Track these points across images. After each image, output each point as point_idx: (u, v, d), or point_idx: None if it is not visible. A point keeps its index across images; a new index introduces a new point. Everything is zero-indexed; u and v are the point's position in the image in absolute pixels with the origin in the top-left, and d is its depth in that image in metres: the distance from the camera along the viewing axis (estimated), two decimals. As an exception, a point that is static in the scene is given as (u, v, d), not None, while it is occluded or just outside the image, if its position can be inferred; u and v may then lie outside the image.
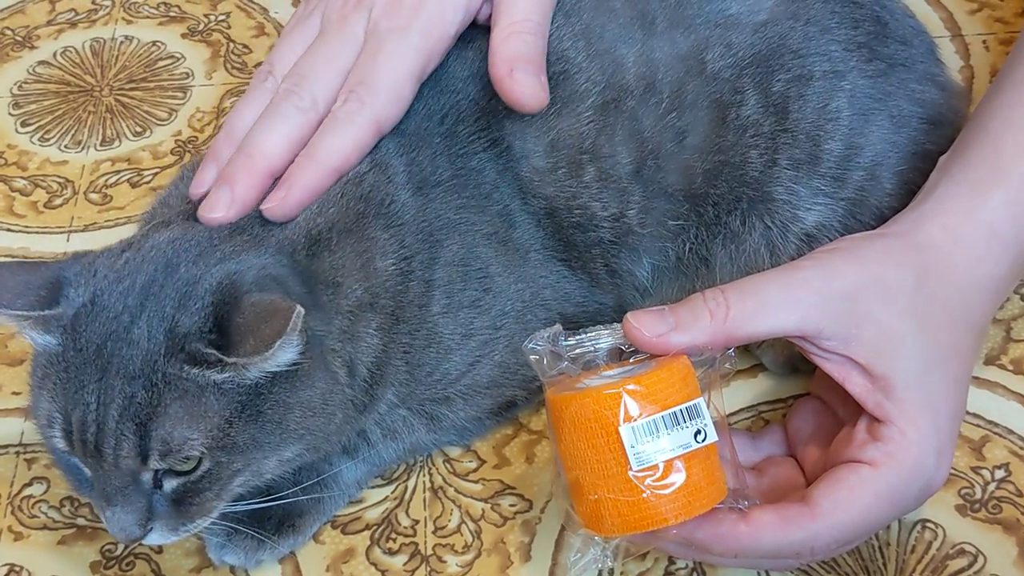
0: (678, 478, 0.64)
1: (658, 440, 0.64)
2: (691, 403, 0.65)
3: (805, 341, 0.69)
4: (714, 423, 0.66)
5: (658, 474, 0.64)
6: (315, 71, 0.77)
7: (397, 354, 0.74)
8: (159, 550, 0.79)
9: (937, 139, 0.80)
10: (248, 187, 0.73)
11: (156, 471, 0.68)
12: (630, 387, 0.64)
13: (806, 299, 0.68)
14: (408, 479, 0.81)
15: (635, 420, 0.64)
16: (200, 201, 0.74)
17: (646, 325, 0.67)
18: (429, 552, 0.77)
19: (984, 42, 1.04)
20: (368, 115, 0.74)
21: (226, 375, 0.66)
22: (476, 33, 0.78)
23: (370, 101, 0.74)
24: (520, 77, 0.74)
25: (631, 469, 0.64)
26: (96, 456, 0.67)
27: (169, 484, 0.68)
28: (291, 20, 0.82)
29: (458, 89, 0.78)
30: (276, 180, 0.73)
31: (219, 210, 0.72)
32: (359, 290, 0.72)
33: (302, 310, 0.64)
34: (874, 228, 0.77)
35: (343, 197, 0.73)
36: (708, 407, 0.66)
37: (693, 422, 0.65)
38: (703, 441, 0.65)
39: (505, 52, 0.75)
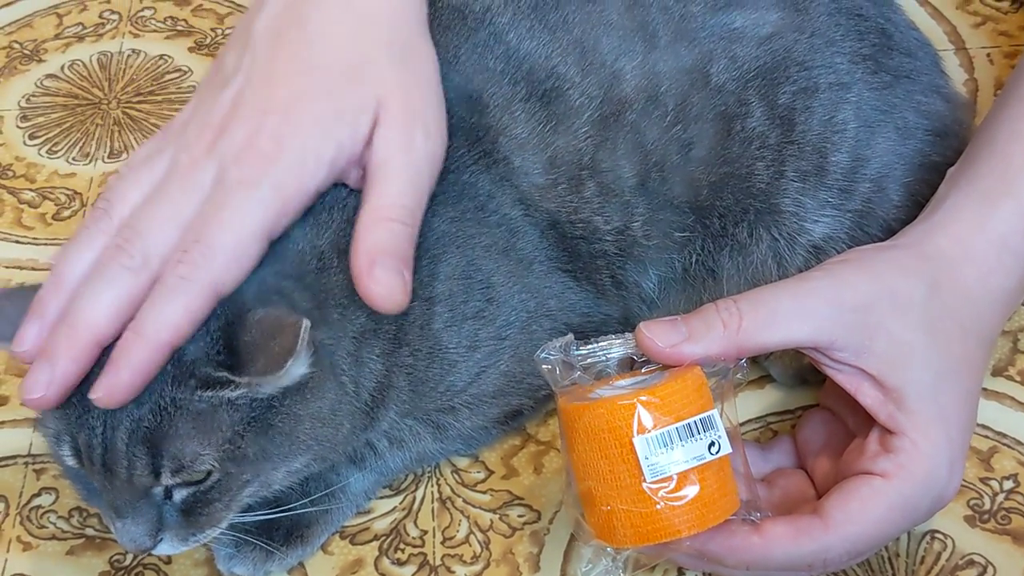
0: (691, 490, 0.64)
1: (672, 452, 0.64)
2: (705, 415, 0.65)
3: (817, 352, 0.69)
4: (727, 434, 0.66)
5: (671, 486, 0.64)
6: (150, 225, 0.68)
7: (399, 377, 0.74)
8: (168, 560, 0.79)
9: (943, 151, 0.81)
10: (69, 363, 0.66)
11: (167, 485, 0.68)
12: (644, 398, 0.64)
13: (818, 310, 0.68)
14: (416, 490, 0.81)
15: (649, 432, 0.64)
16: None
17: (659, 335, 0.67)
18: (438, 563, 0.77)
19: (988, 55, 1.04)
20: (204, 279, 0.66)
21: (239, 392, 0.66)
22: (460, 54, 0.78)
23: (206, 264, 0.66)
24: (380, 274, 0.68)
25: (645, 480, 0.64)
26: (106, 474, 0.67)
27: (179, 495, 0.68)
28: (141, 150, 0.75)
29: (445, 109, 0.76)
30: (106, 349, 0.67)
31: (38, 391, 0.66)
32: (362, 316, 0.71)
33: (308, 323, 0.64)
34: (881, 240, 0.77)
35: (332, 221, 0.72)
36: (721, 418, 0.66)
37: (707, 434, 0.65)
38: (717, 453, 0.65)
39: (368, 242, 0.68)
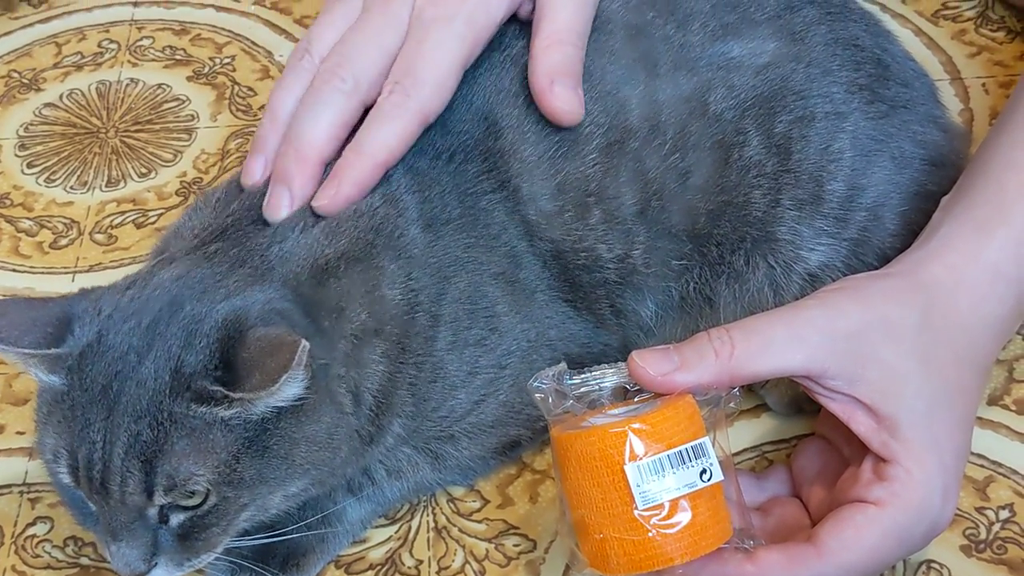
0: (684, 517, 0.64)
1: (664, 479, 0.64)
2: (697, 442, 0.65)
3: (810, 381, 0.69)
4: (719, 462, 0.66)
5: (664, 513, 0.64)
6: (357, 52, 0.77)
7: (403, 384, 0.74)
8: (163, 587, 0.78)
9: (939, 180, 0.81)
10: (304, 183, 0.74)
11: (162, 506, 0.67)
12: (636, 426, 0.64)
13: (811, 338, 0.68)
14: (412, 519, 0.81)
15: (641, 459, 0.64)
16: (251, 195, 0.76)
17: (651, 364, 0.67)
18: (433, 592, 0.77)
19: (984, 85, 1.05)
20: (414, 107, 0.74)
21: (233, 411, 0.66)
22: (479, 74, 0.79)
23: (415, 93, 0.74)
24: (559, 91, 0.75)
25: (637, 508, 0.64)
26: (102, 492, 0.67)
27: (175, 519, 0.68)
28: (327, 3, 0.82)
29: (464, 130, 0.78)
30: (327, 166, 0.75)
31: (283, 210, 0.74)
32: (363, 314, 0.72)
33: (308, 344, 0.64)
34: (877, 268, 0.77)
35: (355, 228, 0.73)
36: (713, 446, 0.66)
37: (699, 461, 0.65)
38: (709, 480, 0.65)
39: (546, 64, 0.75)
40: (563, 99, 0.75)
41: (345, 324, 0.71)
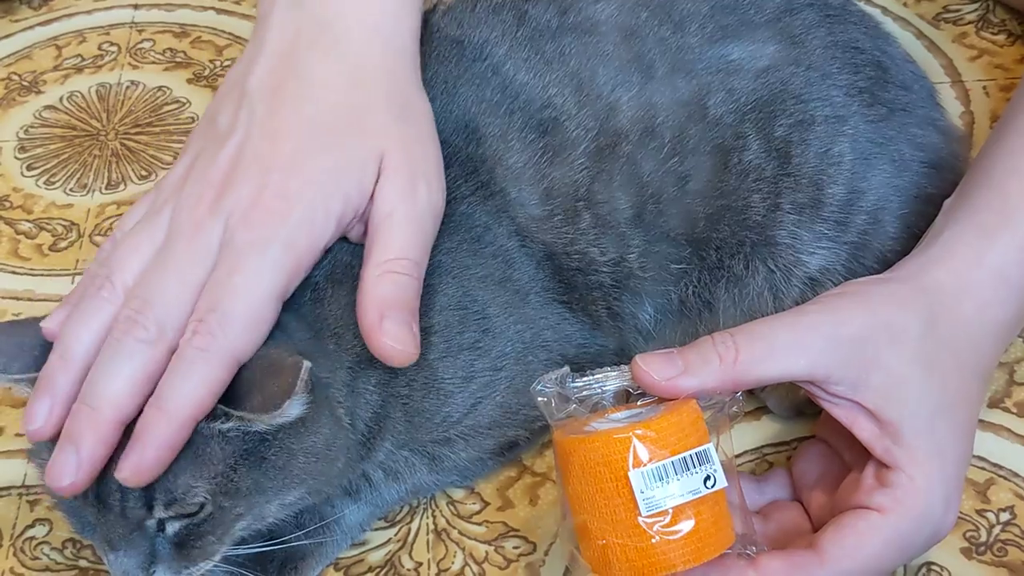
0: (687, 524, 0.64)
1: (668, 485, 0.64)
2: (701, 448, 0.65)
3: (813, 386, 0.69)
4: (723, 467, 0.66)
5: (667, 520, 0.64)
6: (160, 292, 0.67)
7: (396, 407, 0.74)
8: (162, 593, 0.78)
9: (939, 183, 0.81)
10: (94, 445, 0.65)
11: (160, 518, 0.67)
12: (640, 432, 0.64)
13: (815, 343, 0.68)
14: (411, 521, 0.81)
15: (645, 465, 0.64)
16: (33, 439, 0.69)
17: (655, 368, 0.67)
18: (434, 596, 0.77)
19: (984, 88, 1.05)
20: (223, 349, 0.65)
21: (231, 424, 0.66)
22: (459, 86, 0.78)
23: (223, 333, 0.65)
24: (389, 328, 0.67)
25: (640, 514, 0.64)
26: (99, 506, 0.67)
27: (172, 527, 0.68)
28: (132, 213, 0.74)
29: (442, 140, 0.76)
30: (127, 427, 0.66)
31: (66, 478, 0.65)
32: (358, 346, 0.71)
33: (310, 365, 0.64)
34: (877, 272, 0.77)
35: (331, 251, 0.72)
36: (716, 451, 0.66)
37: (703, 467, 0.65)
38: (712, 487, 0.65)
39: (376, 295, 0.68)
40: (393, 336, 0.67)
41: (343, 353, 0.71)
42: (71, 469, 0.65)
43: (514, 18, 0.80)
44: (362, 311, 0.68)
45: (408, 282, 0.69)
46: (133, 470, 0.64)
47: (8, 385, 0.69)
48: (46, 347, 0.69)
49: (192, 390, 0.64)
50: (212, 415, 0.65)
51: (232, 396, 0.65)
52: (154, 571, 0.69)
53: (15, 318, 0.92)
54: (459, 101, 0.78)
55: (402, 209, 0.70)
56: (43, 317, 0.71)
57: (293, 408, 0.66)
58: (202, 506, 0.67)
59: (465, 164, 0.76)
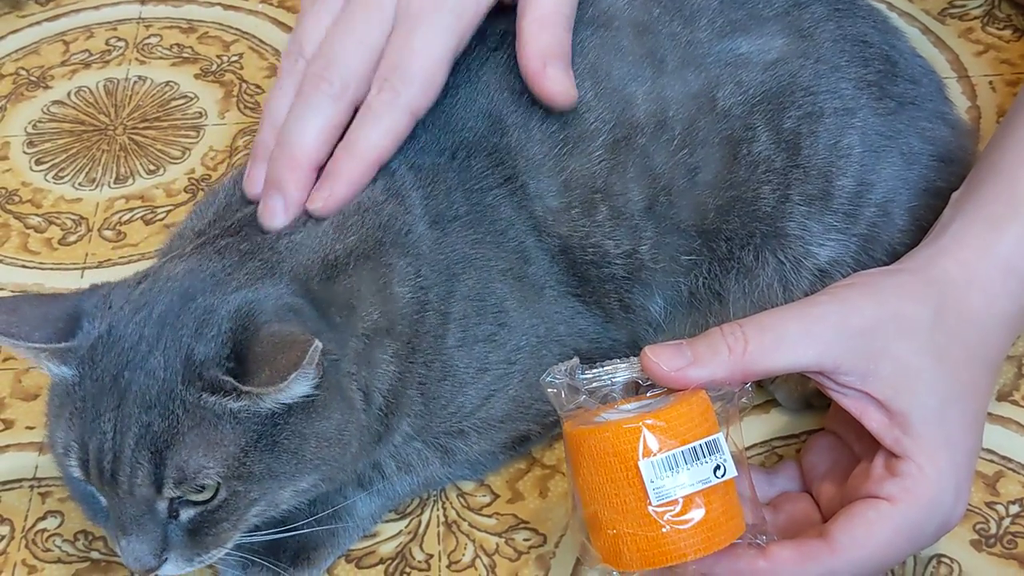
0: (697, 513, 0.64)
1: (677, 475, 0.64)
2: (710, 438, 0.65)
3: (822, 376, 0.69)
4: (732, 458, 0.66)
5: (677, 509, 0.64)
6: (343, 52, 0.76)
7: (412, 384, 0.74)
8: (174, 583, 0.79)
9: (947, 176, 0.81)
10: (296, 189, 0.74)
11: (171, 500, 0.68)
12: (650, 422, 0.64)
13: (824, 334, 0.68)
14: (422, 513, 0.81)
15: (655, 455, 0.64)
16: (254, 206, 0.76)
17: (664, 359, 0.67)
18: (444, 587, 0.78)
19: (991, 83, 1.05)
20: (403, 104, 0.74)
21: (241, 403, 0.66)
22: (483, 72, 0.79)
23: (404, 90, 0.74)
24: (553, 73, 0.75)
25: (650, 504, 0.64)
26: (112, 484, 0.67)
27: (185, 514, 0.68)
28: None
29: (468, 127, 0.78)
30: (320, 169, 0.75)
31: (278, 218, 0.74)
32: (375, 313, 0.72)
33: (320, 344, 0.65)
34: (886, 264, 0.77)
35: (363, 225, 0.73)
36: (727, 442, 0.66)
37: (712, 457, 0.65)
38: (722, 476, 0.65)
39: (537, 45, 0.75)
40: (558, 81, 0.75)
41: (356, 322, 0.71)
42: (280, 209, 0.74)
43: None
44: (525, 60, 0.75)
45: (563, 34, 0.76)
46: (324, 200, 0.74)
47: (29, 354, 0.69)
48: (71, 319, 0.69)
49: (378, 136, 0.74)
50: (222, 389, 0.66)
51: (243, 372, 0.66)
52: (166, 558, 0.69)
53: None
54: (483, 88, 0.78)
55: None
56: (67, 294, 0.72)
57: (300, 383, 0.66)
58: (216, 492, 0.67)
59: (492, 154, 0.77)
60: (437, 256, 0.75)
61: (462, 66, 0.79)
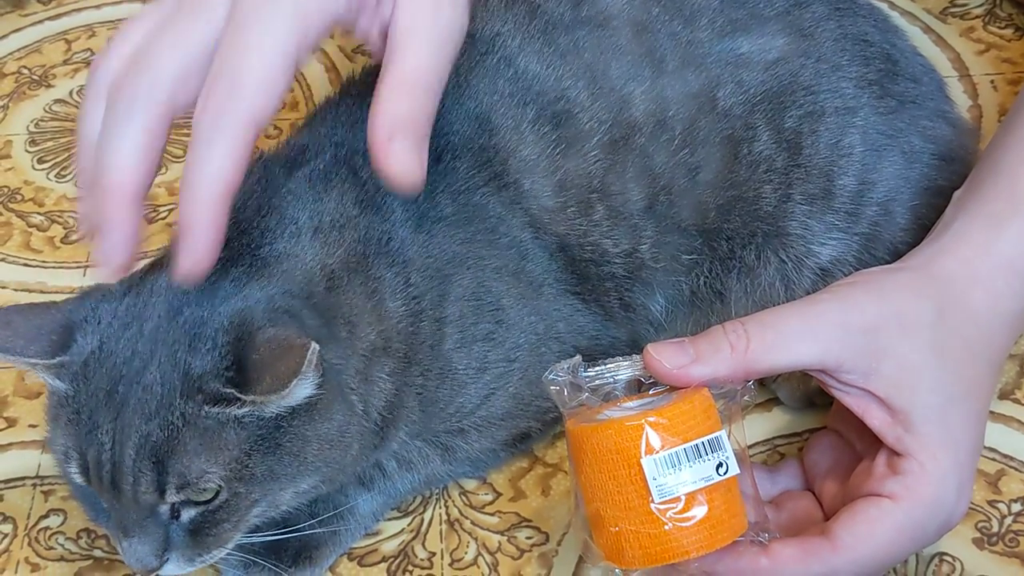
0: (700, 511, 0.64)
1: (680, 473, 0.64)
2: (713, 436, 0.65)
3: (824, 374, 0.69)
4: (735, 455, 0.66)
5: (680, 506, 0.64)
6: (157, 56, 0.64)
7: (410, 396, 0.74)
8: (176, 582, 0.79)
9: (949, 175, 0.81)
10: (121, 224, 0.64)
11: (174, 503, 0.68)
12: (652, 419, 0.64)
13: (826, 332, 0.68)
14: (424, 511, 0.81)
15: (657, 452, 0.64)
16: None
17: (667, 356, 0.67)
18: (446, 585, 0.78)
19: (992, 82, 1.05)
20: (239, 117, 0.62)
21: (246, 410, 0.66)
22: (471, 78, 0.78)
23: (237, 96, 0.62)
24: (398, 150, 0.65)
25: (653, 501, 0.64)
26: (113, 491, 0.67)
27: (186, 514, 0.68)
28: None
29: (454, 130, 0.76)
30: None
31: (110, 263, 0.66)
32: (372, 334, 0.71)
33: (317, 346, 0.64)
34: (888, 262, 0.77)
35: (343, 240, 0.72)
36: (729, 439, 0.66)
37: (715, 455, 0.65)
38: (725, 474, 0.65)
39: (387, 114, 0.65)
40: (400, 160, 0.65)
41: (357, 342, 0.71)
42: (110, 253, 0.65)
43: (527, 12, 0.80)
44: (371, 127, 0.65)
45: (423, 102, 0.66)
46: (187, 269, 0.64)
47: (24, 367, 0.69)
48: (64, 331, 0.69)
49: (217, 168, 0.62)
50: (225, 400, 0.66)
51: (244, 381, 0.65)
52: (167, 558, 0.69)
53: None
54: (472, 93, 0.78)
55: (425, 24, 0.67)
56: (58, 304, 0.71)
57: (301, 389, 0.66)
58: (217, 492, 0.67)
59: (478, 155, 0.77)
60: (426, 260, 0.74)
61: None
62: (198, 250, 0.64)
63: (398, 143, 0.65)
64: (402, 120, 0.65)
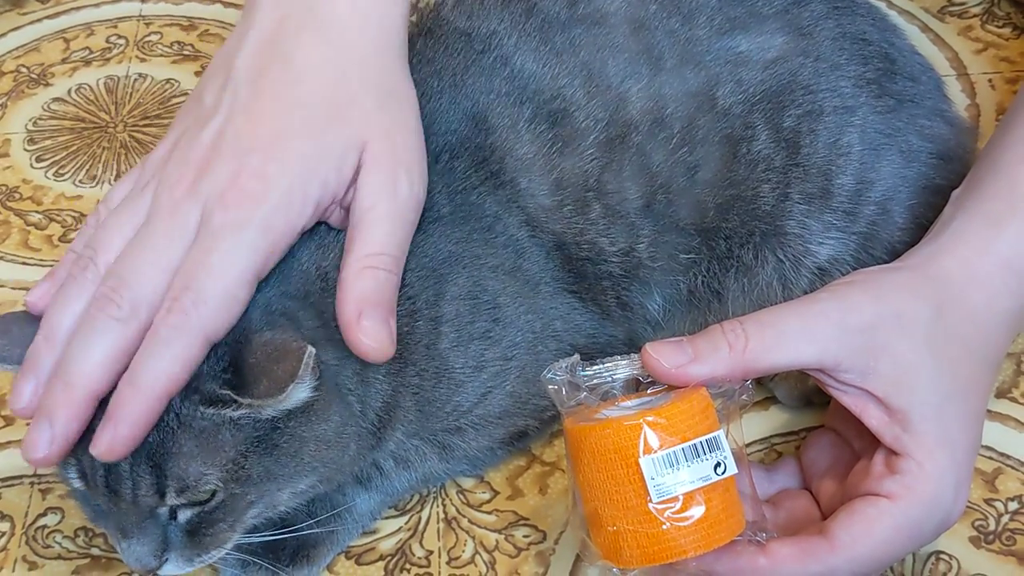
0: (697, 510, 0.64)
1: (678, 472, 0.64)
2: (711, 435, 0.65)
3: (822, 374, 0.69)
4: (733, 455, 0.66)
5: (678, 506, 0.64)
6: (136, 272, 0.68)
7: (406, 396, 0.74)
8: (174, 581, 0.79)
9: (947, 174, 0.81)
10: (68, 420, 0.66)
11: (172, 505, 0.68)
12: (650, 419, 0.64)
13: (824, 331, 0.68)
14: (422, 510, 0.81)
15: (655, 452, 0.64)
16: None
17: (665, 356, 0.67)
18: (444, 584, 0.78)
19: (990, 81, 1.05)
20: (195, 328, 0.66)
21: (242, 412, 0.66)
22: (467, 78, 0.78)
23: (196, 312, 0.66)
24: (368, 326, 0.68)
25: (651, 501, 0.64)
26: (112, 496, 0.67)
27: (184, 515, 0.68)
28: (118, 189, 0.74)
29: (451, 131, 0.77)
30: (103, 401, 0.67)
31: (40, 450, 0.66)
32: None
33: (313, 350, 0.65)
34: (885, 262, 0.77)
35: (338, 241, 0.72)
36: (727, 439, 0.66)
37: (713, 454, 0.65)
38: (723, 473, 0.65)
39: (356, 291, 0.69)
40: (370, 335, 0.68)
41: None
42: (44, 442, 0.66)
43: (523, 10, 0.80)
44: (341, 306, 0.68)
45: (387, 278, 0.70)
46: (107, 446, 0.65)
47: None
48: None
49: (165, 367, 0.65)
50: (221, 402, 0.66)
51: (239, 383, 0.66)
52: (166, 559, 0.69)
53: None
54: (468, 92, 0.78)
55: (383, 204, 0.71)
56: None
57: (298, 392, 0.66)
58: (214, 494, 0.67)
59: (474, 154, 0.77)
60: (420, 260, 0.74)
61: (446, 71, 0.78)
62: (122, 434, 0.65)
63: (367, 320, 0.68)
64: (368, 298, 0.69)
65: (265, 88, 0.72)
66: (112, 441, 0.65)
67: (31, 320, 0.71)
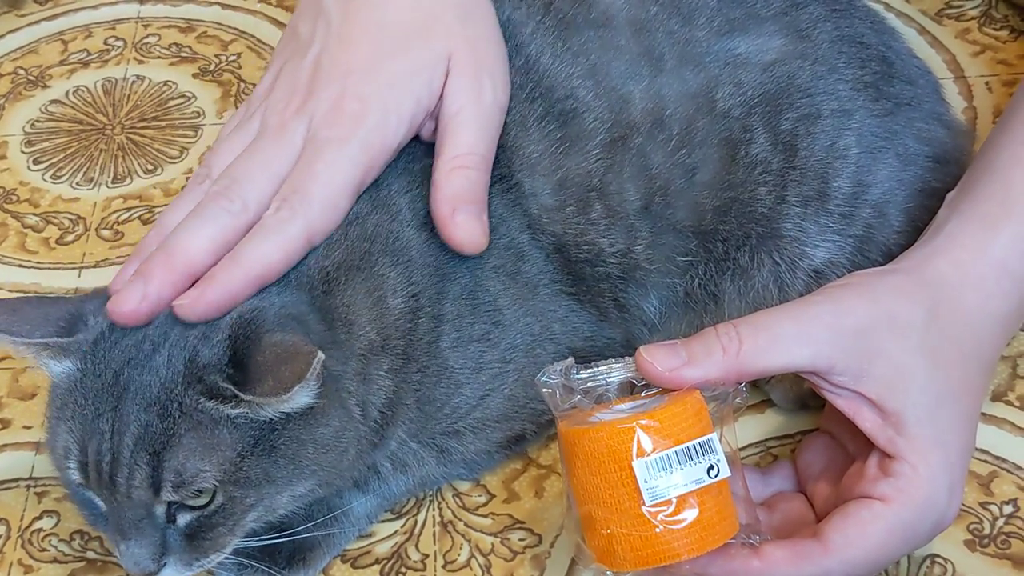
0: (691, 513, 0.64)
1: (671, 475, 0.64)
2: (704, 438, 0.65)
3: (816, 376, 0.69)
4: (726, 458, 0.66)
5: (671, 509, 0.64)
6: (248, 174, 0.73)
7: (408, 393, 0.74)
8: (171, 585, 0.79)
9: (943, 177, 0.81)
10: (162, 283, 0.69)
11: (169, 504, 0.68)
12: (643, 422, 0.64)
13: (818, 334, 0.68)
14: (418, 513, 0.81)
15: (648, 455, 0.64)
16: None
17: (659, 359, 0.67)
18: (439, 587, 0.78)
19: (987, 83, 1.05)
20: (300, 225, 0.71)
21: (240, 411, 0.67)
22: None
23: (303, 211, 0.71)
24: (462, 220, 0.73)
25: (644, 504, 0.64)
26: (110, 487, 0.67)
27: (183, 519, 0.68)
28: (231, 120, 0.80)
29: None
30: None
31: (129, 304, 0.68)
32: (371, 332, 0.72)
33: (323, 356, 0.65)
34: (882, 264, 0.77)
35: (347, 238, 0.73)
36: (720, 442, 0.66)
37: (706, 457, 0.65)
38: (716, 476, 0.65)
39: (448, 190, 0.73)
40: (465, 229, 0.73)
41: (355, 341, 0.72)
42: (136, 297, 0.68)
43: (542, 5, 0.81)
44: (436, 205, 0.73)
45: (477, 176, 0.74)
46: (192, 300, 0.68)
47: (31, 353, 0.70)
48: (71, 319, 0.70)
49: (268, 250, 0.70)
50: (221, 395, 0.66)
51: (244, 380, 0.66)
52: (165, 562, 0.69)
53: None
54: None
55: (470, 107, 0.75)
56: (68, 297, 0.71)
57: (302, 395, 0.66)
58: (213, 496, 0.68)
59: None
60: (427, 258, 0.75)
61: None
62: (208, 297, 0.68)
63: (460, 215, 0.73)
64: (461, 194, 0.73)
65: (353, 15, 0.77)
66: (197, 299, 0.68)
67: (42, 302, 0.72)
